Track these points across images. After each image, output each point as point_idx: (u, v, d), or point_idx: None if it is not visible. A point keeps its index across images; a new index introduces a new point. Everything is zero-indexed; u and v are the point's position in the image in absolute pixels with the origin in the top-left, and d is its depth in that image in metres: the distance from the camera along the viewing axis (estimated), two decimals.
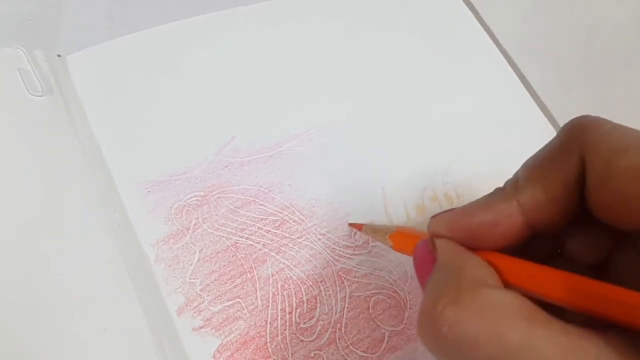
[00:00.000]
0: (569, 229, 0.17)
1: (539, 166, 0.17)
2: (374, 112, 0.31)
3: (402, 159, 0.30)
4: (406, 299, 0.27)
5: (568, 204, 0.16)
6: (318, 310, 0.26)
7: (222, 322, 0.24)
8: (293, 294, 0.26)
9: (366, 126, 0.31)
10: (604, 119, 0.16)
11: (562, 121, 0.17)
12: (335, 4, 0.34)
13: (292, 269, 0.26)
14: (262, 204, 0.27)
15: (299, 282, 0.26)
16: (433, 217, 0.18)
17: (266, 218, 0.27)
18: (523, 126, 0.33)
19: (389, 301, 0.26)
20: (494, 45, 0.35)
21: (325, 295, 0.26)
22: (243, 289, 0.25)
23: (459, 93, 0.33)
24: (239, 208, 0.27)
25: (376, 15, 0.35)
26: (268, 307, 0.25)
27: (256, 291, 0.25)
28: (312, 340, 0.25)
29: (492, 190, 0.18)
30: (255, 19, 0.32)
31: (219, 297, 0.25)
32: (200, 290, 0.25)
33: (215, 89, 0.30)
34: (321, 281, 0.26)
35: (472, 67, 0.34)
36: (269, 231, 0.27)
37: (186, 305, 0.24)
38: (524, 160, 0.17)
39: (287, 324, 0.25)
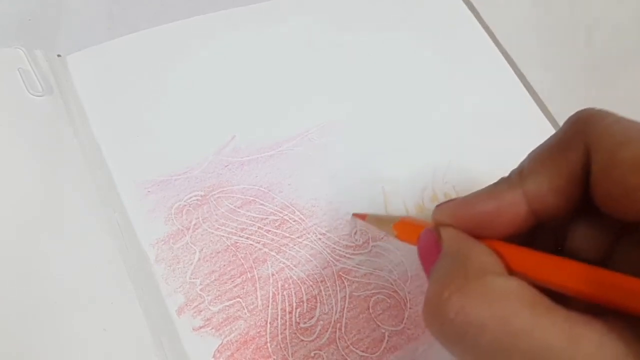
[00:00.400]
0: (572, 223, 0.17)
1: (545, 156, 0.17)
2: (373, 112, 0.31)
3: (402, 159, 0.30)
4: (406, 298, 0.27)
5: (572, 194, 0.16)
6: (318, 310, 0.26)
7: (222, 322, 0.24)
8: (293, 293, 0.26)
9: (366, 126, 0.31)
10: (608, 112, 0.16)
11: (562, 121, 0.17)
12: (334, 4, 0.34)
13: (292, 269, 0.26)
14: (262, 204, 0.27)
15: (299, 281, 0.26)
16: (437, 206, 0.18)
17: (266, 218, 0.27)
18: (523, 126, 0.33)
19: (389, 301, 0.26)
20: (494, 45, 0.35)
21: (325, 295, 0.26)
22: (243, 288, 0.25)
23: (459, 93, 0.33)
24: (239, 208, 0.27)
25: (376, 15, 0.35)
26: (268, 306, 0.25)
27: (256, 291, 0.25)
28: (312, 340, 0.25)
29: None
30: (255, 19, 0.32)
31: (219, 297, 0.25)
32: (201, 290, 0.25)
33: (215, 89, 0.30)
34: (321, 281, 0.26)
35: (472, 67, 0.34)
36: (269, 231, 0.27)
37: (186, 305, 0.24)
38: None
39: (287, 323, 0.25)
